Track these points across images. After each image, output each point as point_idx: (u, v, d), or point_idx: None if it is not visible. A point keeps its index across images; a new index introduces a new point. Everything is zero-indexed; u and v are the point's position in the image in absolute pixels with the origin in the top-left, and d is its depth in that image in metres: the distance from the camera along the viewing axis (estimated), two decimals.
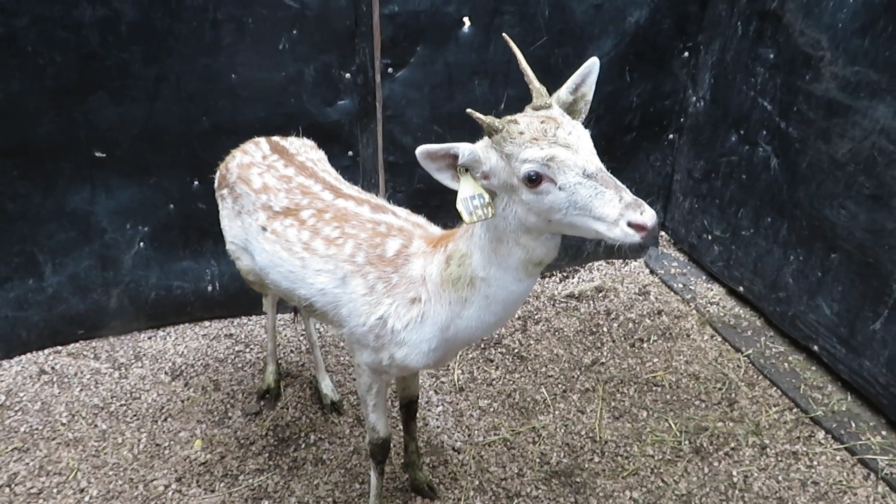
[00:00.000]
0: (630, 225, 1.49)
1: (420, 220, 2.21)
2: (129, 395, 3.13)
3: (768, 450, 2.91)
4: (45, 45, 2.81)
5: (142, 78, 2.99)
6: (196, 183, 3.28)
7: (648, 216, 1.47)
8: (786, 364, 3.36)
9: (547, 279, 4.08)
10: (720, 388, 3.25)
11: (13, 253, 3.15)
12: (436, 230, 2.15)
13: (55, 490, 2.66)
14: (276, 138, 2.61)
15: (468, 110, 1.61)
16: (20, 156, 2.98)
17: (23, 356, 3.33)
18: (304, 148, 2.60)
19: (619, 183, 1.55)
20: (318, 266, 2.11)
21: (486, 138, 1.67)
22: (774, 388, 3.25)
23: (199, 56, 3.02)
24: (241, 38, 3.03)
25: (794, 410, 3.12)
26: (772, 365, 3.36)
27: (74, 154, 3.06)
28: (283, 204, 2.26)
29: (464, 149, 1.63)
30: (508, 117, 1.63)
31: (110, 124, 3.04)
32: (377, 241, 2.06)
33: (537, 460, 2.85)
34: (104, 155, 3.10)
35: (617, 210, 1.50)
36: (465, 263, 1.84)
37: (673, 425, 3.03)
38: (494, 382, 3.26)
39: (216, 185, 2.60)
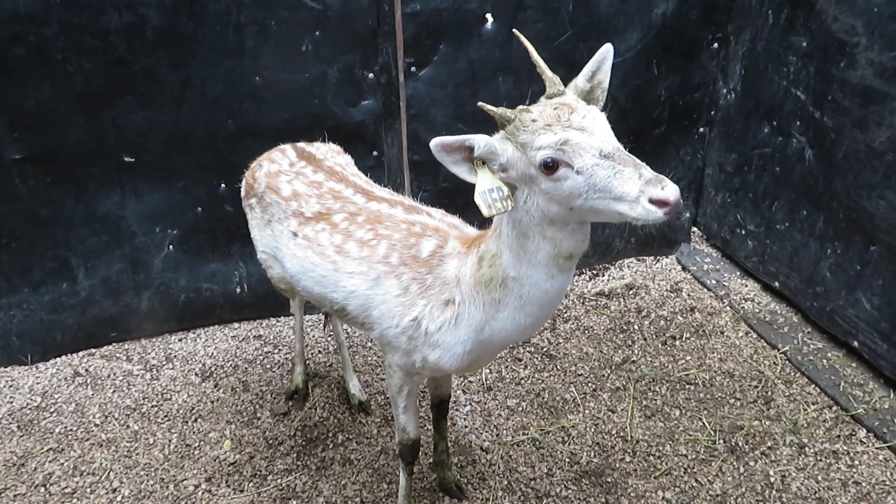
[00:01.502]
0: (651, 202, 1.44)
1: (455, 220, 2.18)
2: (160, 397, 3.16)
3: (807, 449, 2.82)
4: (73, 53, 2.86)
5: (168, 83, 3.03)
6: (223, 186, 3.30)
7: (670, 191, 1.43)
8: (824, 361, 3.26)
9: (577, 277, 4.02)
10: (756, 386, 3.17)
11: (47, 258, 3.21)
12: (471, 231, 2.12)
13: (88, 490, 2.70)
14: (301, 144, 2.59)
15: (479, 104, 1.58)
16: (52, 162, 3.04)
17: (58, 358, 3.39)
18: (331, 153, 2.57)
19: (637, 161, 1.51)
20: (351, 268, 2.09)
21: (501, 130, 1.64)
22: (812, 386, 3.15)
23: (224, 60, 3.04)
24: (264, 40, 3.04)
25: (834, 408, 3.02)
26: (809, 362, 3.26)
27: (104, 159, 3.11)
28: (314, 209, 2.25)
29: (479, 140, 1.61)
30: (521, 107, 1.60)
31: (138, 129, 3.08)
32: (411, 242, 2.04)
33: (567, 460, 2.80)
34: (133, 160, 3.14)
35: (637, 187, 1.46)
36: (496, 263, 1.80)
37: (707, 424, 2.96)
38: (523, 381, 3.22)
39: (243, 194, 2.58)
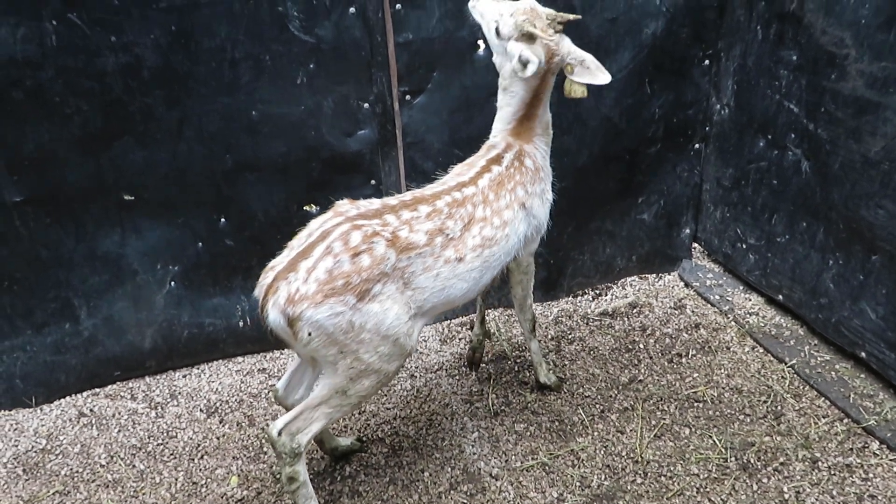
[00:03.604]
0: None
1: (462, 166, 2.68)
2: (165, 434, 3.14)
3: (820, 463, 2.79)
4: (71, 95, 2.89)
5: (165, 120, 3.05)
6: (223, 220, 3.31)
7: None
8: (833, 373, 3.23)
9: (580, 297, 4.02)
10: (765, 401, 3.14)
11: (49, 298, 3.22)
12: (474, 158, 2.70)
13: None
14: (342, 210, 2.38)
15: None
16: (52, 203, 3.05)
17: (62, 399, 3.38)
18: (361, 202, 2.47)
19: None
20: (508, 225, 2.55)
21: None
22: (822, 399, 3.12)
23: (220, 96, 3.07)
24: (259, 75, 3.07)
25: (845, 421, 2.99)
26: (818, 374, 3.24)
27: (103, 198, 3.12)
28: (434, 228, 2.36)
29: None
30: None
31: (137, 167, 3.10)
32: (497, 186, 2.56)
33: (578, 484, 2.77)
34: (132, 198, 3.15)
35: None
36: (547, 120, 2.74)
37: (717, 442, 2.93)
38: (530, 405, 3.20)
39: (356, 299, 2.19)
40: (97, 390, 3.43)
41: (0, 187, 2.96)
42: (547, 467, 2.85)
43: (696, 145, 3.92)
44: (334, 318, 2.16)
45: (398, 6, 3.10)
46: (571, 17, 2.51)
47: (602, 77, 2.51)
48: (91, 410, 3.31)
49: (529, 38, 2.45)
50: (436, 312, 2.52)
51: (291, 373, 2.64)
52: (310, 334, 2.18)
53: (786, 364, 3.34)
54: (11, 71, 2.79)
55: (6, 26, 2.72)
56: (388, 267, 2.24)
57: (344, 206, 2.38)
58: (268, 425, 2.77)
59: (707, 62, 3.71)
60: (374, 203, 2.42)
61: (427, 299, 2.38)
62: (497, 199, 2.52)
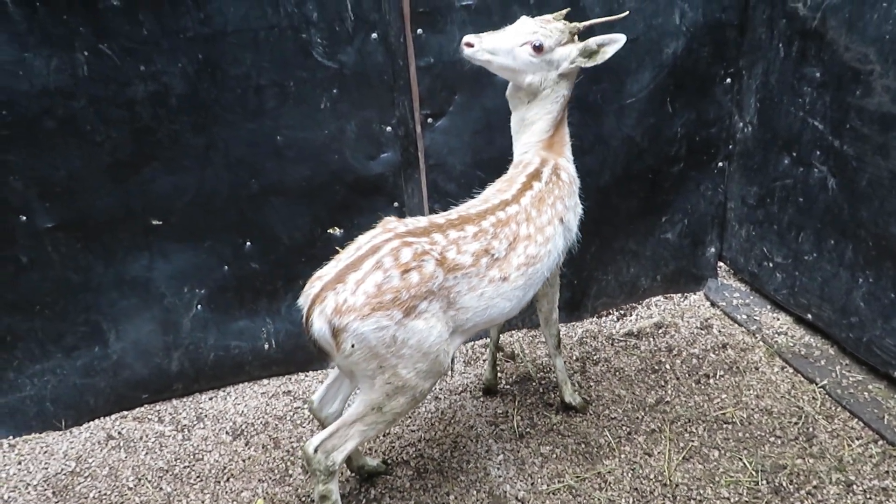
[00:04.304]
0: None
1: (492, 190, 2.68)
2: (192, 457, 3.16)
3: (855, 487, 2.72)
4: (101, 123, 2.96)
5: (192, 146, 3.11)
6: (248, 244, 3.36)
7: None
8: (865, 393, 3.16)
9: (604, 318, 3.99)
10: (796, 423, 3.08)
11: (79, 322, 3.27)
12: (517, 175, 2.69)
13: None
14: (391, 226, 2.39)
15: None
16: (82, 229, 3.12)
17: (91, 422, 3.42)
18: (408, 220, 2.49)
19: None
20: (550, 242, 2.57)
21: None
22: (855, 420, 3.05)
23: (245, 122, 3.13)
24: (283, 101, 3.13)
25: (880, 443, 2.92)
26: (850, 395, 3.17)
27: (132, 223, 3.18)
28: (480, 248, 2.39)
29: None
30: None
31: (164, 193, 3.16)
32: (538, 203, 2.58)
33: None
34: (160, 222, 3.21)
35: None
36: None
37: (748, 464, 2.87)
38: (555, 427, 3.17)
39: (402, 314, 2.20)
40: (125, 413, 3.47)
41: (32, 214, 3.03)
42: (573, 490, 2.82)
43: (720, 163, 3.90)
44: (379, 332, 2.17)
45: (419, 31, 3.15)
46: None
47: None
48: (119, 433, 3.34)
49: (575, 35, 2.60)
50: (475, 331, 2.54)
51: (327, 386, 2.67)
52: (353, 346, 2.19)
53: (816, 384, 3.27)
54: (44, 100, 2.87)
55: (40, 57, 2.80)
56: (435, 285, 2.26)
57: (392, 222, 2.41)
58: (301, 444, 2.77)
59: (729, 80, 3.70)
60: (422, 221, 2.45)
61: (469, 318, 2.40)
62: (539, 216, 2.55)
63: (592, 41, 2.54)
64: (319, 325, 2.20)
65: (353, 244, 2.37)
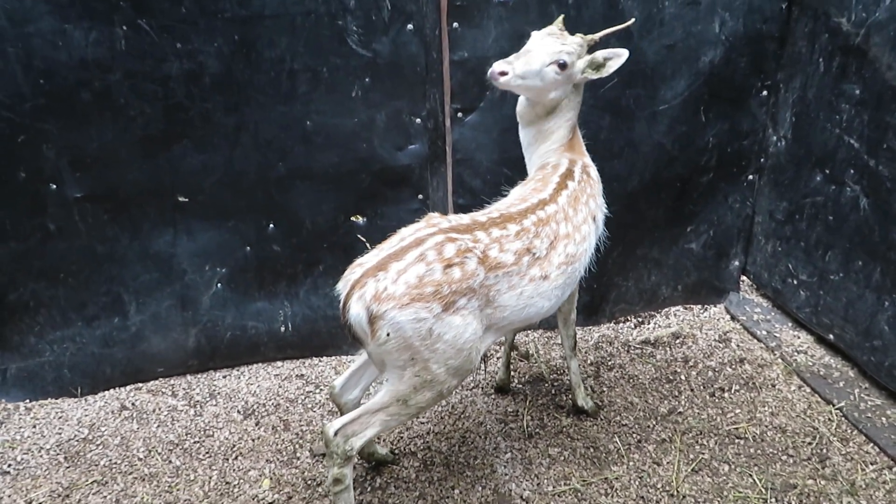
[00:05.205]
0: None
1: (525, 189, 2.67)
2: (202, 433, 3.19)
3: None
4: (135, 98, 3.00)
5: (223, 126, 3.14)
6: (272, 226, 3.38)
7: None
8: (883, 418, 3.11)
9: (621, 324, 3.96)
10: (810, 443, 3.04)
11: (101, 292, 3.32)
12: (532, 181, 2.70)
13: None
14: (434, 222, 2.40)
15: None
16: (110, 201, 3.16)
17: (106, 392, 3.47)
18: (451, 216, 2.50)
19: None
20: (588, 239, 2.61)
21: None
22: (871, 445, 3.00)
23: (277, 105, 3.14)
24: (316, 86, 3.14)
25: (895, 469, 2.87)
26: (868, 419, 3.12)
27: (159, 199, 3.22)
28: (523, 247, 2.40)
29: None
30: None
31: (193, 170, 3.19)
32: (574, 202, 2.59)
33: None
34: (187, 199, 3.24)
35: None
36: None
37: (758, 481, 2.84)
38: (565, 429, 3.16)
39: (441, 308, 2.19)
40: (140, 385, 3.51)
41: (63, 183, 3.08)
42: (579, 494, 2.81)
43: (750, 176, 3.85)
44: (416, 324, 2.17)
45: (455, 24, 3.14)
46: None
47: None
48: (133, 404, 3.38)
49: (589, 47, 2.61)
50: (511, 329, 2.56)
51: (352, 372, 2.69)
52: (388, 335, 2.18)
53: (834, 406, 3.23)
54: (81, 73, 2.91)
55: (80, 29, 2.84)
56: (476, 283, 2.26)
57: (436, 218, 2.42)
58: (322, 426, 2.79)
59: (765, 93, 3.65)
60: (464, 218, 2.46)
61: (506, 317, 2.40)
62: (576, 214, 2.57)
63: (599, 54, 2.56)
64: (357, 311, 2.20)
65: (396, 235, 2.37)
